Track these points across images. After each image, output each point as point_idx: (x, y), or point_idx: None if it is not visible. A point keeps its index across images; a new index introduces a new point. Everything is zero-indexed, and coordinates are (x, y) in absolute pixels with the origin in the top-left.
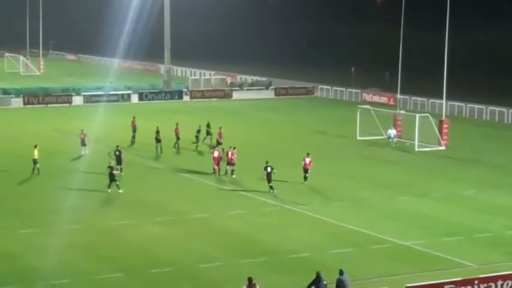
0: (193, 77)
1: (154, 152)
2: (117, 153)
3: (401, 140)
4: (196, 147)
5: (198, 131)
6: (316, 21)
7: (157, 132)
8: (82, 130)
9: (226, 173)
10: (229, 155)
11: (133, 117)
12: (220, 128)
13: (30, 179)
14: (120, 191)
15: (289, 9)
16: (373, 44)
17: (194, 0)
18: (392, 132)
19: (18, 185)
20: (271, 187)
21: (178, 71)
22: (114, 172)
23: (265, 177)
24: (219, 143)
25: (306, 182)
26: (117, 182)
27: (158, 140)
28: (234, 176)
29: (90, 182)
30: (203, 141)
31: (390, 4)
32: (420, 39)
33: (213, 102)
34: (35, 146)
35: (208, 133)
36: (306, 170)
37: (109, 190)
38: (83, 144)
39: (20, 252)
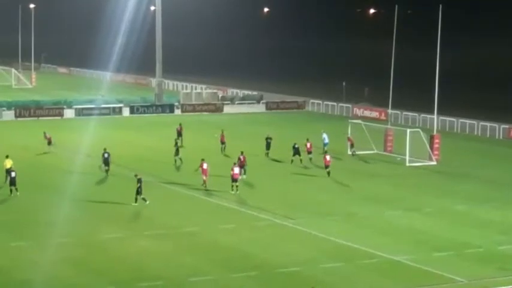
0: (184, 91)
1: (149, 166)
2: (105, 155)
3: (392, 154)
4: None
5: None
6: (308, 37)
7: (176, 143)
8: (45, 132)
9: (232, 189)
10: (240, 162)
11: (180, 124)
12: (222, 131)
13: (19, 191)
14: (18, 193)
15: (280, 24)
16: (365, 59)
17: (186, 14)
18: (325, 136)
19: (8, 197)
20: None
21: (170, 84)
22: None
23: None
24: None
25: (330, 177)
26: (16, 186)
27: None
28: (238, 192)
29: (80, 195)
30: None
31: (382, 20)
32: (412, 55)
33: (204, 115)
34: (7, 156)
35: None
36: (327, 166)
37: (17, 193)
38: (50, 143)
39: (11, 265)
